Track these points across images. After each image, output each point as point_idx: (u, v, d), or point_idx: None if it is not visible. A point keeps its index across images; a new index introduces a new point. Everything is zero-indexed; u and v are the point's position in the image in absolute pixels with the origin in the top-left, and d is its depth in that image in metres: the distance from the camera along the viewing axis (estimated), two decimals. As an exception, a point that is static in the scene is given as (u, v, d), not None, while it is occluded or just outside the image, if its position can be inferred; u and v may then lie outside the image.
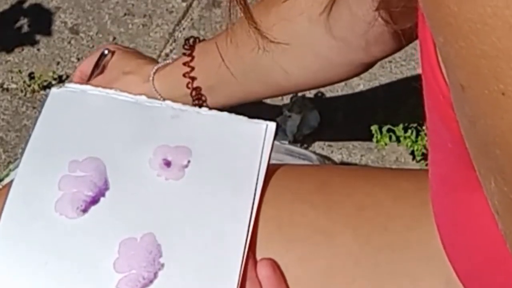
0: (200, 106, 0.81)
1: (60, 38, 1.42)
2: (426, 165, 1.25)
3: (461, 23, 0.31)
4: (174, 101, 0.74)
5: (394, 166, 1.27)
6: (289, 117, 1.29)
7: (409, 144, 1.24)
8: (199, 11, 1.45)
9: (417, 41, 0.47)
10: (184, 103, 0.74)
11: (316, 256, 0.65)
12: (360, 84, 1.34)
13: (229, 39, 0.76)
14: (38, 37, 1.41)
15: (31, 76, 1.37)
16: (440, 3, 0.31)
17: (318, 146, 1.30)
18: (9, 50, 1.40)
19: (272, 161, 0.69)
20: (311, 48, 0.76)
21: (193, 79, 0.81)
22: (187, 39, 0.84)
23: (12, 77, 1.37)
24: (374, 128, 1.26)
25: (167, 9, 1.45)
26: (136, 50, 0.93)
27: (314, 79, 0.80)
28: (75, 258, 0.63)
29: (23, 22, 1.42)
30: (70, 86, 0.73)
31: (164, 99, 0.79)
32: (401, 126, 1.25)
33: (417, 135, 1.24)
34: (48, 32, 1.42)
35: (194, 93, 0.82)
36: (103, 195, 0.66)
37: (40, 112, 0.71)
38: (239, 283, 0.62)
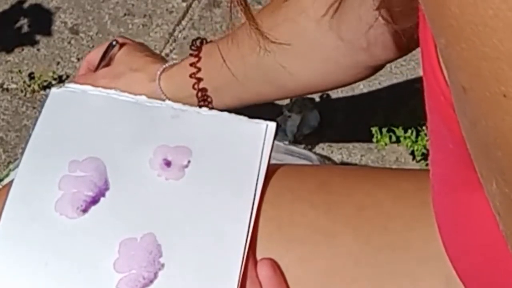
0: (206, 107, 0.81)
1: (60, 38, 1.42)
2: (426, 165, 1.25)
3: (463, 25, 0.31)
4: (178, 101, 0.74)
5: (394, 166, 1.27)
6: (289, 117, 1.29)
7: (409, 144, 1.24)
8: (199, 11, 1.45)
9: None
10: (190, 104, 0.74)
11: (316, 256, 0.65)
12: (360, 84, 1.34)
13: (235, 40, 0.76)
14: (38, 37, 1.41)
15: (31, 76, 1.37)
16: (441, 5, 0.31)
17: (318, 146, 1.30)
18: (9, 50, 1.40)
19: (272, 161, 0.69)
20: (318, 50, 0.76)
21: (199, 80, 0.81)
22: (194, 40, 0.83)
23: (12, 77, 1.37)
24: (374, 128, 1.26)
25: (167, 9, 1.45)
26: (145, 46, 0.92)
27: (322, 82, 0.80)
28: (75, 258, 0.63)
29: (23, 22, 1.42)
30: (70, 86, 0.73)
31: (169, 99, 0.79)
32: (401, 126, 1.25)
33: (417, 135, 1.24)
34: (48, 32, 1.42)
35: (200, 94, 0.82)
36: (103, 195, 0.66)
37: (40, 112, 0.71)
38: (239, 283, 0.62)
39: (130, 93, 0.73)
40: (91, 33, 1.43)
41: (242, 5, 0.51)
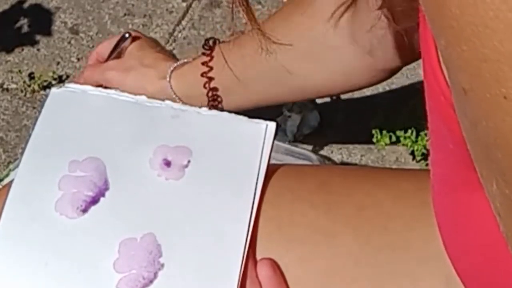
0: (215, 107, 0.81)
1: (60, 38, 1.42)
2: (426, 165, 1.25)
3: (463, 26, 0.31)
4: (188, 100, 0.73)
5: (394, 166, 1.27)
6: (289, 117, 1.29)
7: (409, 144, 1.24)
8: (199, 11, 1.45)
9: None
10: (200, 104, 0.74)
11: (316, 256, 0.65)
12: (360, 84, 1.33)
13: (247, 41, 0.76)
14: (38, 37, 1.41)
15: (31, 76, 1.37)
16: (442, 6, 0.31)
17: (318, 146, 1.30)
18: (9, 50, 1.40)
19: (272, 161, 0.69)
20: (332, 53, 0.75)
21: (210, 79, 0.81)
22: (207, 39, 0.83)
23: (12, 77, 1.37)
24: (374, 128, 1.26)
25: (167, 9, 1.45)
26: (156, 41, 0.92)
27: (336, 85, 0.79)
28: (75, 258, 0.63)
29: (23, 22, 1.42)
30: (70, 86, 0.73)
31: (178, 98, 0.79)
32: (401, 126, 1.25)
33: (417, 135, 1.24)
34: (48, 32, 1.42)
35: (210, 93, 0.81)
36: (103, 195, 0.66)
37: (40, 112, 0.71)
38: (239, 283, 0.62)
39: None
40: (91, 33, 1.43)
41: (243, 6, 0.51)
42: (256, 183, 0.67)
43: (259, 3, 1.44)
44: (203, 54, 0.82)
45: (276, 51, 0.74)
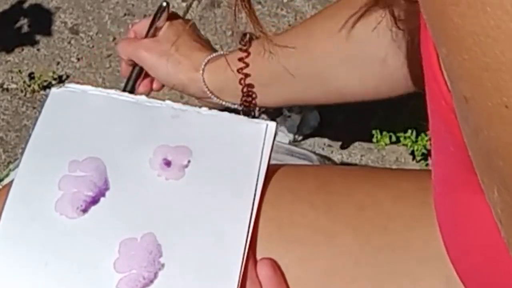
0: (250, 102, 0.80)
1: (60, 38, 1.42)
2: (426, 165, 1.25)
3: (465, 36, 0.31)
4: (221, 94, 0.72)
5: (394, 166, 1.27)
6: (289, 117, 1.29)
7: (409, 144, 1.24)
8: (199, 11, 1.45)
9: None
10: (233, 99, 0.73)
11: (316, 256, 0.65)
12: (360, 84, 1.33)
13: (286, 40, 0.76)
14: (38, 37, 1.41)
15: (31, 76, 1.37)
16: (443, 15, 0.31)
17: (318, 146, 1.30)
18: (9, 50, 1.40)
19: (272, 161, 0.69)
20: (374, 56, 0.74)
21: (246, 75, 0.80)
22: (244, 34, 0.82)
23: (12, 77, 1.37)
24: (374, 128, 1.26)
25: (167, 9, 1.45)
26: (194, 26, 0.90)
27: (374, 89, 0.78)
28: (75, 258, 0.63)
29: (23, 22, 1.42)
30: (70, 86, 0.73)
31: (210, 92, 0.79)
32: (401, 126, 1.25)
33: (417, 135, 1.24)
34: (48, 32, 1.42)
35: (245, 89, 0.81)
36: (103, 195, 0.66)
37: (40, 112, 0.71)
38: (239, 283, 0.62)
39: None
40: (91, 33, 1.43)
41: (246, 8, 0.51)
42: (256, 183, 0.67)
43: (259, 3, 1.44)
44: (240, 49, 0.81)
45: (315, 53, 0.74)
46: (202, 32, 1.41)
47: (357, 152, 1.30)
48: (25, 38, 1.40)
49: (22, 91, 1.36)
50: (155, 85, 0.90)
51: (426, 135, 1.23)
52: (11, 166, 1.09)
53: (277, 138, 0.72)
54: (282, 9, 1.43)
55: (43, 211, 0.65)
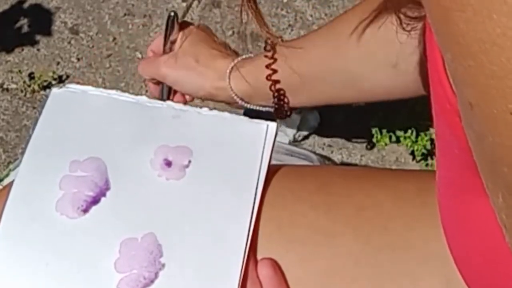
0: (281, 106, 0.80)
1: (60, 38, 1.42)
2: (426, 165, 1.25)
3: (470, 43, 0.31)
4: (250, 100, 0.72)
5: (394, 166, 1.27)
6: (289, 117, 1.29)
7: (409, 144, 1.24)
8: (199, 11, 1.45)
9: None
10: (264, 103, 0.73)
11: (316, 256, 0.65)
12: (360, 84, 1.33)
13: (312, 43, 0.75)
14: (38, 37, 1.41)
15: (31, 76, 1.37)
16: (449, 21, 0.31)
17: (318, 146, 1.30)
18: (9, 50, 1.40)
19: (272, 161, 0.69)
20: (401, 56, 0.74)
21: (275, 81, 0.79)
22: (267, 39, 0.81)
23: (12, 77, 1.38)
24: (374, 128, 1.26)
25: (167, 9, 1.45)
26: (209, 31, 0.89)
27: (404, 88, 0.78)
28: (75, 258, 0.63)
29: (23, 22, 1.42)
30: (70, 86, 0.73)
31: (238, 97, 0.78)
32: (401, 126, 1.25)
33: (417, 135, 1.24)
34: (48, 32, 1.42)
35: (276, 94, 0.80)
36: (104, 195, 0.66)
37: (40, 112, 0.71)
38: (240, 283, 0.62)
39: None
40: (91, 33, 1.43)
41: (252, 9, 0.51)
42: (257, 183, 0.67)
43: (259, 3, 1.44)
44: (265, 56, 0.80)
45: (345, 53, 0.74)
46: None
47: (357, 152, 1.30)
48: (25, 38, 1.40)
49: (22, 91, 1.36)
50: (187, 97, 0.89)
51: (426, 135, 1.23)
52: (11, 166, 1.09)
53: (277, 138, 0.72)
54: (282, 9, 1.44)
55: (43, 211, 0.65)
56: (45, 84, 1.36)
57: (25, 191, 0.66)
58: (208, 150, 0.69)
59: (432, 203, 0.62)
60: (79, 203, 0.65)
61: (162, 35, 0.86)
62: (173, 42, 0.85)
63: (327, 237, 0.65)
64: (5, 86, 1.37)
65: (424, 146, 1.23)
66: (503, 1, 0.29)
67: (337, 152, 1.30)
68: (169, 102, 0.73)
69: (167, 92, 0.87)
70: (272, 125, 0.71)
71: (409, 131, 1.24)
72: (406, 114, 1.26)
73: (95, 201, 0.65)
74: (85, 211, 0.65)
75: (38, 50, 1.40)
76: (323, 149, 1.30)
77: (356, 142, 1.30)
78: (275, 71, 0.79)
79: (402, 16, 0.58)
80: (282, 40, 0.61)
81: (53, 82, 1.36)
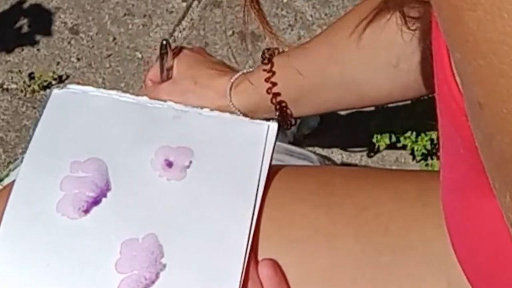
0: (285, 117, 0.80)
1: (60, 38, 1.42)
2: (426, 165, 1.25)
3: (480, 42, 0.31)
4: (254, 115, 0.72)
5: (394, 166, 1.27)
6: (289, 117, 1.29)
7: (409, 144, 1.24)
8: (199, 11, 1.45)
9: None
10: (268, 116, 0.73)
11: (317, 256, 0.65)
12: (360, 84, 1.33)
13: (310, 52, 0.75)
14: (38, 37, 1.41)
15: (31, 76, 1.37)
16: (459, 20, 0.31)
17: (318, 146, 1.30)
18: (9, 50, 1.40)
19: (273, 162, 0.69)
20: (404, 60, 0.74)
21: (276, 94, 0.79)
22: (264, 51, 0.80)
23: (12, 77, 1.37)
24: (374, 128, 1.26)
25: (167, 9, 1.45)
26: (202, 51, 0.89)
27: (405, 92, 0.78)
28: (76, 258, 0.63)
29: (23, 22, 1.42)
30: (71, 87, 0.73)
31: (242, 113, 0.78)
32: (401, 126, 1.25)
33: (417, 135, 1.24)
34: (48, 32, 1.42)
35: (278, 106, 0.80)
36: (104, 195, 0.66)
37: (41, 113, 0.71)
38: (241, 283, 0.62)
39: (132, 94, 0.72)
40: (91, 33, 1.43)
41: (255, 9, 0.51)
42: (258, 184, 0.67)
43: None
44: (264, 70, 0.79)
45: (345, 59, 0.74)
46: (202, 32, 1.42)
47: (357, 153, 1.30)
48: (25, 38, 1.40)
49: (22, 91, 1.36)
50: None
51: (426, 135, 1.23)
52: (11, 166, 1.09)
53: (278, 138, 0.72)
54: (282, 9, 1.44)
55: (44, 212, 0.65)
56: (45, 84, 1.36)
57: (26, 192, 0.66)
58: (209, 151, 0.69)
59: (433, 203, 0.62)
60: (80, 204, 0.65)
61: (157, 64, 0.86)
62: (169, 69, 0.85)
63: (327, 237, 0.65)
64: (5, 86, 1.37)
65: (424, 146, 1.23)
66: None
67: (337, 152, 1.30)
68: (169, 103, 0.73)
69: None
70: (273, 125, 0.71)
71: (409, 131, 1.24)
72: (406, 114, 1.26)
73: (96, 201, 0.65)
74: (86, 211, 0.65)
75: (38, 50, 1.40)
76: (323, 149, 1.30)
77: (356, 146, 1.30)
78: (274, 84, 0.78)
79: (406, 14, 0.57)
80: (284, 41, 0.61)
81: (53, 82, 1.36)
